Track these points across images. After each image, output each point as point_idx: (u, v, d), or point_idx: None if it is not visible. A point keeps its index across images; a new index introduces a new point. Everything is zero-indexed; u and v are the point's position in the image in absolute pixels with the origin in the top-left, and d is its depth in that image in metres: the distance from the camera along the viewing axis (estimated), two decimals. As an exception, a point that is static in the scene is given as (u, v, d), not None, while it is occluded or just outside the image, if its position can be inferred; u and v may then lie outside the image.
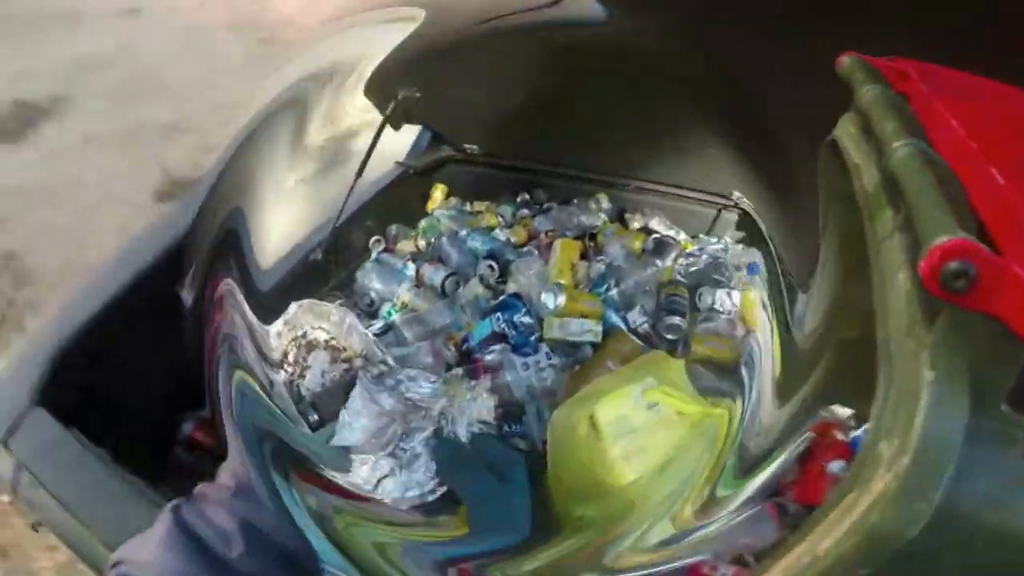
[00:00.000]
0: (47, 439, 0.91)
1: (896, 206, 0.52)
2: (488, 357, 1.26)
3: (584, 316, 1.34)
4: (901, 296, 0.47)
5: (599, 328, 1.32)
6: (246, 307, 1.11)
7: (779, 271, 1.36)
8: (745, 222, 1.80)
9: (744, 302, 1.46)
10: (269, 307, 1.20)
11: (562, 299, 1.30)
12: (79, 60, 3.93)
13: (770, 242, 1.48)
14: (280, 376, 1.23)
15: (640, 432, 0.82)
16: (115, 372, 1.07)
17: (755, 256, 1.63)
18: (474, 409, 0.86)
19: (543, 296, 1.33)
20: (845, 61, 0.69)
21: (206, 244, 1.16)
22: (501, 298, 1.36)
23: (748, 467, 0.73)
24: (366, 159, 1.66)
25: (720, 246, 1.70)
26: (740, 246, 1.74)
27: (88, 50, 4.04)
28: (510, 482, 0.73)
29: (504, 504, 0.71)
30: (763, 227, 1.48)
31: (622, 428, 0.82)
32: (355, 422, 0.89)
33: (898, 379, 0.44)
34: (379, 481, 0.79)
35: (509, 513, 0.70)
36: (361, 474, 0.79)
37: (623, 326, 1.40)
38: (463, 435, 0.83)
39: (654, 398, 0.86)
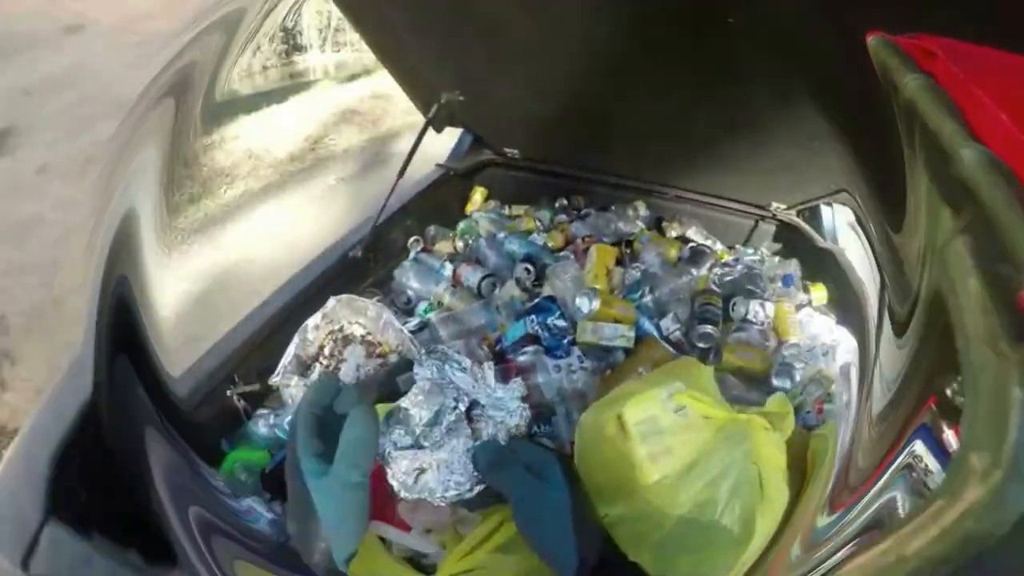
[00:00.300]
0: (69, 556, 0.80)
1: (957, 207, 0.52)
2: (521, 358, 1.27)
3: (617, 321, 1.34)
4: (974, 304, 0.47)
5: (632, 334, 1.32)
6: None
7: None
8: (782, 233, 1.78)
9: (778, 313, 1.45)
10: (308, 301, 1.23)
11: (596, 303, 1.31)
12: (24, 87, 3.64)
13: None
14: (316, 369, 1.27)
15: (666, 433, 0.83)
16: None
17: (791, 268, 1.62)
18: (509, 419, 0.86)
19: (578, 300, 1.34)
20: (872, 42, 0.66)
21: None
22: (536, 301, 1.37)
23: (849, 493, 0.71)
24: (408, 160, 1.71)
25: (756, 257, 1.69)
26: (776, 258, 1.72)
27: (33, 75, 3.73)
28: (547, 479, 0.75)
29: (546, 501, 0.73)
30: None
31: (649, 429, 0.83)
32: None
33: (983, 392, 0.44)
34: (418, 476, 0.81)
35: (552, 509, 0.72)
36: (401, 467, 0.80)
37: (655, 333, 1.40)
38: (502, 439, 0.85)
39: (682, 401, 0.86)
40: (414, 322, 1.39)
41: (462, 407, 0.85)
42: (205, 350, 1.32)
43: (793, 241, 1.74)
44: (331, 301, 1.20)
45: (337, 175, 3.31)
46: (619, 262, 1.60)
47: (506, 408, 0.88)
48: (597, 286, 1.43)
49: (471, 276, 1.49)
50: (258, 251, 1.65)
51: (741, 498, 0.82)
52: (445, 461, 0.80)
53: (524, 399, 0.90)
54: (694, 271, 1.59)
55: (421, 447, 0.82)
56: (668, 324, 1.43)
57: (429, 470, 0.80)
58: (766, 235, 1.82)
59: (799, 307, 1.52)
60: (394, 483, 0.80)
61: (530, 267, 1.52)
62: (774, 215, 1.73)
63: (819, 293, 1.55)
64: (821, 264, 1.61)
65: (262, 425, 1.18)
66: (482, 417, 0.87)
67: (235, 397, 1.25)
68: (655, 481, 0.80)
